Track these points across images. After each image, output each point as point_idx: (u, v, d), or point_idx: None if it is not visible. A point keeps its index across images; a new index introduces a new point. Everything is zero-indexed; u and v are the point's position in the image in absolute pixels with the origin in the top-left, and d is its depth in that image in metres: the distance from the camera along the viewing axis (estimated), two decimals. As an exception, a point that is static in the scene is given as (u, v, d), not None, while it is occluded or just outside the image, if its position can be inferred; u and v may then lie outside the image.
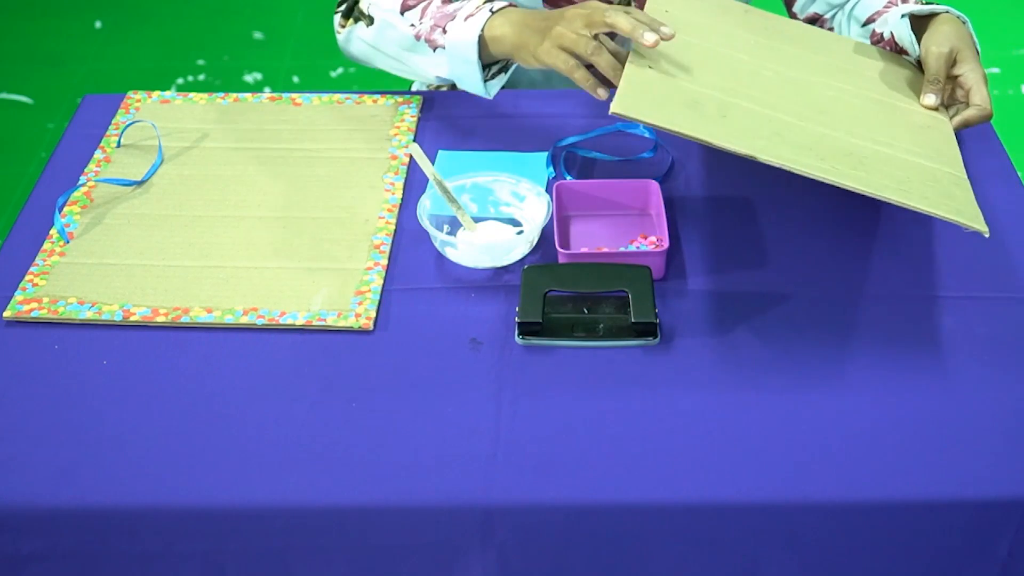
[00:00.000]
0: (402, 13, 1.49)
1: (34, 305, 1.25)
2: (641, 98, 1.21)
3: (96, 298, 1.26)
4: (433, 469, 1.08)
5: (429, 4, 1.48)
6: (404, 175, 1.43)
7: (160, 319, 1.23)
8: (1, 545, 1.08)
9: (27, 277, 1.28)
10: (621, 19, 1.29)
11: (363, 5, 1.54)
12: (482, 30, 1.40)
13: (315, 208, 1.38)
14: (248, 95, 1.58)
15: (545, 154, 1.46)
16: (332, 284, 1.27)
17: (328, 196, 1.40)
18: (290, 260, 1.31)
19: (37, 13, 3.48)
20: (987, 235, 1.16)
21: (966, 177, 1.28)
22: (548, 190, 1.38)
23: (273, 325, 1.23)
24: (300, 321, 1.23)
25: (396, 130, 1.51)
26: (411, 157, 1.45)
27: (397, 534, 1.08)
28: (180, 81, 3.19)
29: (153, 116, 1.53)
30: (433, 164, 1.41)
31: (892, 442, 1.11)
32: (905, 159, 1.26)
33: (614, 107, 1.16)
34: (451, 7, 1.46)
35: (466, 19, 1.42)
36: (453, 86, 1.67)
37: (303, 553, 1.09)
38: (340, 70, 3.18)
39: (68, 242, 1.33)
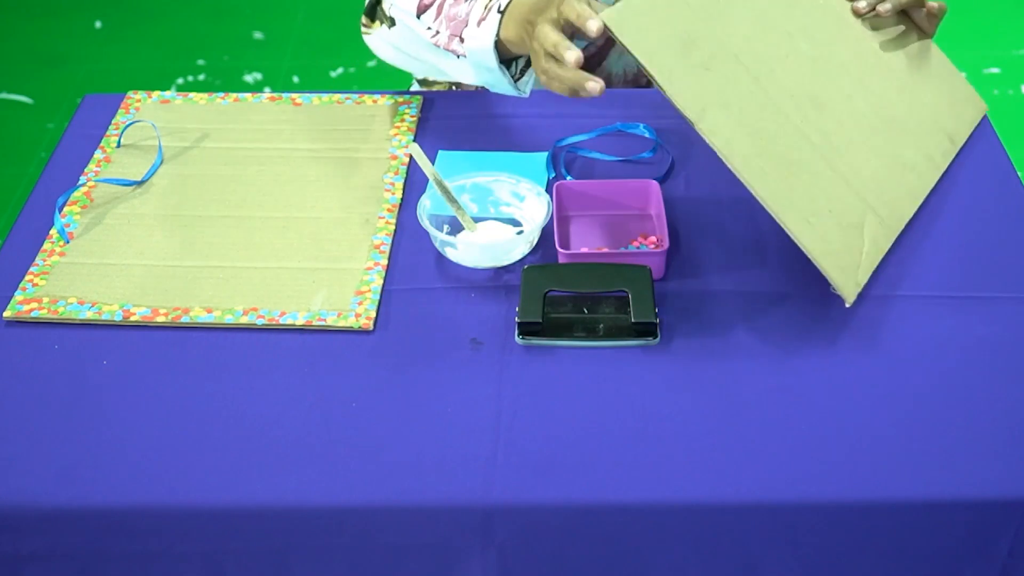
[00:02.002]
0: (418, 16, 1.43)
1: (34, 305, 1.25)
2: (634, 19, 1.17)
3: (96, 298, 1.26)
4: (433, 469, 1.08)
5: (443, 2, 1.41)
6: (404, 175, 1.43)
7: (160, 319, 1.23)
8: (1, 545, 1.08)
9: (27, 277, 1.28)
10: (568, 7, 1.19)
11: (385, 6, 1.49)
12: (497, 35, 1.34)
13: (315, 208, 1.38)
14: (248, 95, 1.58)
15: (545, 154, 1.46)
16: (332, 284, 1.27)
17: (328, 196, 1.40)
18: (290, 260, 1.31)
19: (37, 13, 3.48)
20: (848, 304, 1.20)
21: (891, 235, 1.27)
22: (548, 190, 1.38)
23: (273, 325, 1.23)
24: (300, 321, 1.23)
25: (396, 130, 1.51)
26: (411, 157, 1.45)
27: (397, 534, 1.08)
28: (180, 81, 3.19)
29: (153, 116, 1.53)
30: (433, 164, 1.41)
31: (892, 442, 1.11)
32: (849, 188, 1.25)
33: (604, 15, 1.14)
34: (462, 8, 1.39)
35: (479, 24, 1.36)
36: (459, 85, 1.67)
37: (303, 553, 1.09)
38: (340, 70, 3.18)
39: (68, 242, 1.33)
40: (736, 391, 1.16)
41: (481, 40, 1.35)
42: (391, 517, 1.07)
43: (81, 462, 1.09)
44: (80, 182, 1.42)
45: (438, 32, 1.41)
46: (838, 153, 1.26)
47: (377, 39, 1.53)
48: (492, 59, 1.35)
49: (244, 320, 1.23)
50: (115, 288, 1.27)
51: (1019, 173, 1.46)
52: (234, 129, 1.52)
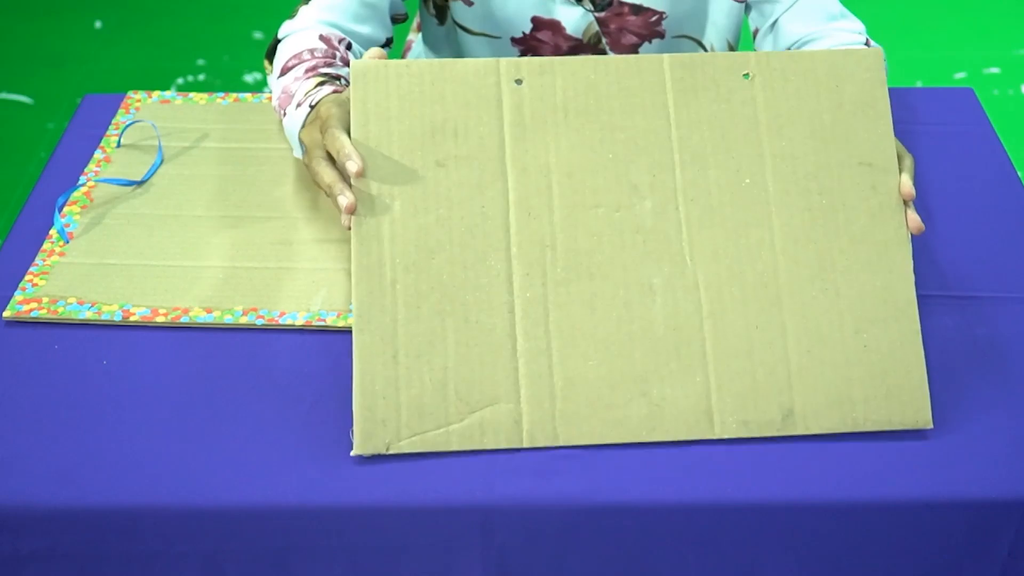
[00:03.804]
0: (280, 75, 1.39)
1: (34, 305, 1.25)
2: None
3: (96, 298, 1.26)
4: (433, 469, 1.08)
5: (299, 65, 1.38)
6: (404, 175, 1.43)
7: (160, 319, 1.23)
8: (1, 545, 1.08)
9: (27, 277, 1.28)
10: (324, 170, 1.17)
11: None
12: (300, 130, 1.29)
13: (315, 208, 1.38)
14: (248, 95, 1.59)
15: (545, 154, 1.46)
16: (332, 284, 1.27)
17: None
18: (290, 260, 1.31)
19: (37, 13, 3.48)
20: (354, 451, 1.08)
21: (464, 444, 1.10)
22: (548, 190, 1.38)
23: (273, 325, 1.23)
24: (300, 321, 1.23)
25: (396, 130, 1.51)
26: (411, 157, 1.44)
27: (397, 534, 1.08)
28: (180, 81, 3.19)
29: (153, 116, 1.53)
30: (433, 164, 1.41)
31: (892, 442, 1.11)
32: (507, 364, 1.11)
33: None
34: (294, 84, 1.35)
35: (297, 107, 1.31)
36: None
37: (303, 553, 1.09)
38: (340, 70, 3.18)
39: (68, 242, 1.33)
40: (736, 391, 1.16)
41: (292, 124, 1.32)
42: (391, 517, 1.07)
43: (81, 462, 1.09)
44: (80, 182, 1.42)
45: (278, 97, 1.37)
46: (537, 333, 1.11)
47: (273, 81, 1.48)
48: (298, 151, 1.32)
49: (244, 320, 1.23)
50: (115, 288, 1.27)
51: (1019, 173, 1.46)
52: (234, 129, 1.52)
